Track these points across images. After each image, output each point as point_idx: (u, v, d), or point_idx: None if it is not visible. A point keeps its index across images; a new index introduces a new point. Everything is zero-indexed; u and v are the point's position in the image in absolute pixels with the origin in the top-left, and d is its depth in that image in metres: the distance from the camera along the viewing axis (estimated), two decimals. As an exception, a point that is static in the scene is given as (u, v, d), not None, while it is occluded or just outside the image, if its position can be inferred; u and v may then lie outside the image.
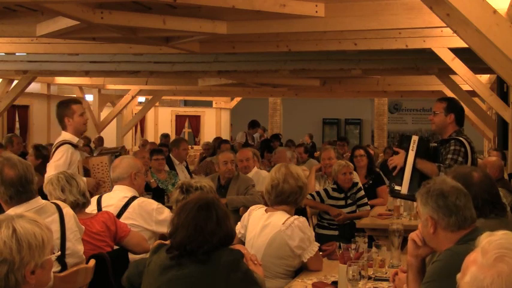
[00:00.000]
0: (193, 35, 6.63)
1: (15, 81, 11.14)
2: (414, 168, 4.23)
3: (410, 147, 4.28)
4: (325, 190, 5.98)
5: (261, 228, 3.57)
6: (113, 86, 14.11)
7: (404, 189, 4.32)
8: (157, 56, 9.23)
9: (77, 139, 4.99)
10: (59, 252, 3.20)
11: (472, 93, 9.70)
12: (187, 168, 8.51)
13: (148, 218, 4.12)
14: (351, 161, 6.58)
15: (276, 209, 3.62)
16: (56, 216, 3.36)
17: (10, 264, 1.97)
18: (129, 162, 4.39)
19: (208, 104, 20.10)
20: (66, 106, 4.98)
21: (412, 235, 2.64)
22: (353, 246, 3.59)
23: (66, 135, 4.94)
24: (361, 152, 6.97)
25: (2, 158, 3.35)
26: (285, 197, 3.60)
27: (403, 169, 4.28)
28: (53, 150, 4.94)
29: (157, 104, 17.64)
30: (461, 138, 4.24)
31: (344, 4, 5.64)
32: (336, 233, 5.83)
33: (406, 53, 8.04)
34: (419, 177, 4.20)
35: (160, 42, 7.13)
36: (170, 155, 7.93)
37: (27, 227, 2.03)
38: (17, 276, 1.99)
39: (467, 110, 11.91)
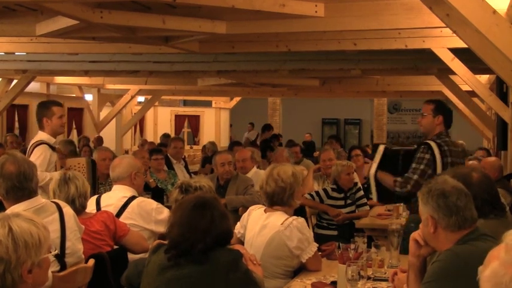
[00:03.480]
0: (192, 34, 6.62)
1: (15, 81, 11.13)
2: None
3: (375, 158, 4.35)
4: (325, 190, 5.99)
5: (260, 228, 3.57)
6: (112, 85, 14.09)
7: (374, 197, 4.55)
8: (156, 56, 9.21)
9: (54, 140, 5.13)
10: (57, 251, 3.21)
11: (472, 93, 9.69)
12: (186, 167, 8.52)
13: (147, 217, 4.13)
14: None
15: (275, 209, 3.63)
16: (56, 215, 3.36)
17: (6, 264, 1.97)
18: (129, 162, 4.40)
19: (208, 104, 20.08)
20: (46, 107, 5.15)
21: (414, 235, 2.64)
22: (352, 246, 3.59)
23: (42, 135, 5.07)
24: (358, 152, 7.00)
25: (7, 154, 3.40)
26: (271, 198, 3.62)
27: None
28: (30, 149, 5.02)
29: (156, 103, 17.62)
30: (431, 142, 4.23)
31: (344, 4, 5.64)
32: (335, 233, 5.83)
33: (405, 53, 8.03)
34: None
35: (159, 42, 7.12)
36: (168, 154, 7.95)
37: (23, 225, 2.02)
38: (14, 276, 1.98)
39: (466, 110, 11.93)
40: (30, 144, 5.15)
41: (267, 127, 14.98)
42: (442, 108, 4.42)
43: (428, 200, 2.52)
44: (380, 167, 4.38)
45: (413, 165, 4.21)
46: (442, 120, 4.35)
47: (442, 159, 4.21)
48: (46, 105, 5.17)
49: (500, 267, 1.46)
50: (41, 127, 5.12)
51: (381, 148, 4.41)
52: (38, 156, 4.89)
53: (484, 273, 1.50)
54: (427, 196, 2.53)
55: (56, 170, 4.96)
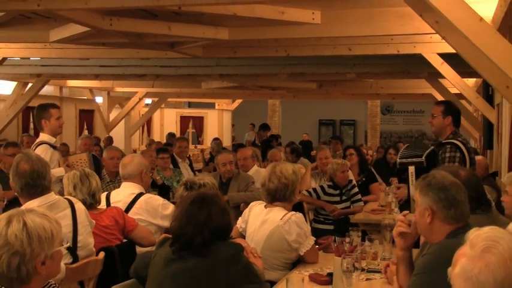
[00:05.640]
0: (196, 40, 6.62)
1: (30, 84, 11.13)
2: None
3: (410, 181, 4.32)
4: (321, 187, 5.99)
5: (261, 223, 3.57)
6: (121, 88, 14.09)
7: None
8: (162, 60, 9.22)
9: (54, 140, 5.09)
10: (68, 243, 3.22)
11: (460, 95, 9.68)
12: (191, 166, 8.52)
13: (154, 213, 4.13)
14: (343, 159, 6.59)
15: (275, 205, 3.62)
16: (68, 211, 3.37)
17: (21, 256, 1.98)
18: (139, 161, 4.42)
19: (211, 106, 20.08)
20: (44, 109, 5.11)
21: (398, 229, 2.64)
22: (347, 240, 3.58)
23: (43, 137, 5.06)
24: (351, 151, 7.03)
25: (22, 153, 3.42)
26: (273, 194, 3.61)
27: (408, 200, 4.34)
28: (32, 150, 4.98)
29: (163, 105, 17.60)
30: (456, 142, 4.22)
31: (339, 12, 5.63)
32: (331, 227, 5.82)
33: (397, 58, 8.02)
34: None
35: (165, 47, 7.12)
36: (173, 153, 7.96)
37: (37, 220, 2.03)
38: (28, 267, 1.99)
39: (455, 112, 11.89)
40: (32, 146, 5.15)
41: (264, 127, 14.97)
42: (451, 109, 4.43)
43: (429, 192, 2.49)
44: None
45: (447, 165, 4.12)
46: (452, 120, 4.35)
47: (469, 155, 4.21)
48: (44, 108, 5.13)
49: (468, 262, 1.48)
50: (41, 128, 5.11)
51: (412, 170, 4.32)
52: None
53: (454, 271, 1.51)
54: (427, 189, 2.51)
55: (59, 167, 4.98)
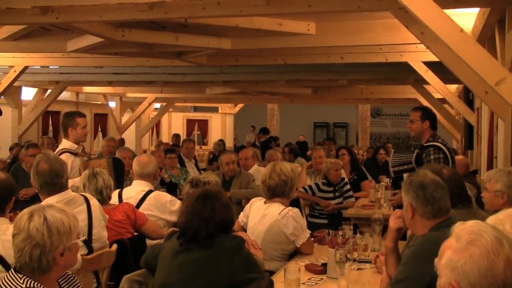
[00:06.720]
0: (202, 49, 6.63)
1: (49, 90, 11.15)
2: None
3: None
4: (316, 184, 5.98)
5: (261, 217, 3.57)
6: (132, 94, 14.10)
7: None
8: (170, 68, 9.22)
9: (76, 146, 4.87)
10: (85, 237, 3.22)
11: (443, 100, 9.69)
12: (196, 165, 8.51)
13: (162, 208, 4.13)
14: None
15: (273, 201, 3.62)
16: (84, 206, 3.37)
17: (42, 248, 1.99)
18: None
19: (215, 110, 20.09)
20: (71, 118, 4.88)
21: (395, 224, 2.65)
22: (340, 233, 3.58)
23: (66, 144, 4.84)
24: (344, 151, 7.04)
25: (41, 154, 3.43)
26: (273, 190, 3.61)
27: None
28: None
29: (170, 109, 17.61)
30: (438, 144, 4.21)
31: (332, 23, 5.65)
32: (326, 221, 5.82)
33: (386, 65, 8.03)
34: None
35: (173, 56, 7.13)
36: (180, 154, 7.96)
37: (56, 215, 2.04)
38: (48, 258, 2.01)
39: (438, 115, 11.90)
40: (55, 152, 5.00)
41: (263, 130, 15.06)
42: (428, 113, 4.43)
43: (409, 189, 2.51)
44: None
45: (432, 163, 4.08)
46: (429, 124, 4.34)
47: (450, 155, 4.20)
48: (71, 116, 4.91)
49: (454, 254, 1.48)
50: (66, 135, 4.89)
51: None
52: None
53: (440, 262, 1.52)
54: (409, 186, 2.52)
55: (80, 174, 4.73)
